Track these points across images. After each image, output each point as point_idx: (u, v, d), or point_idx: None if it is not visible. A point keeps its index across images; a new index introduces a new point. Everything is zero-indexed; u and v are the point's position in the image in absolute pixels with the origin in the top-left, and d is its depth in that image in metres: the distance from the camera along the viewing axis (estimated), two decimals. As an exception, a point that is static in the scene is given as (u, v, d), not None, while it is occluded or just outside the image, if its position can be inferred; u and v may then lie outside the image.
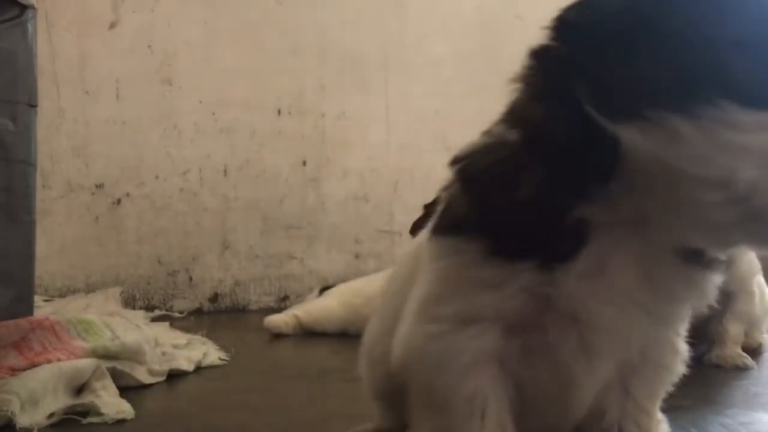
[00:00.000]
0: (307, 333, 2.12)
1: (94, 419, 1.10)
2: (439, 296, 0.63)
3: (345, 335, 2.06)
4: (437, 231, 0.64)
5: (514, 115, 0.59)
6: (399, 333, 0.66)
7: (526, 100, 0.58)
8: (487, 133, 0.62)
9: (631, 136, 0.51)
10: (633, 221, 0.56)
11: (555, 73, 0.55)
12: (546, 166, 0.55)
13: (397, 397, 0.72)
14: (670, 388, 0.72)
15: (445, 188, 0.65)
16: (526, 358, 0.62)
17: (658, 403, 0.73)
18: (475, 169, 0.61)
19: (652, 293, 0.60)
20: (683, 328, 0.70)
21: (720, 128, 0.49)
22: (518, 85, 0.59)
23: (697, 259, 0.60)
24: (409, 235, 2.50)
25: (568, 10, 0.55)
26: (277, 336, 2.08)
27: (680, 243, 0.58)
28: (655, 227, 0.56)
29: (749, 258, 1.54)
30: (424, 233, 0.74)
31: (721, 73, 0.49)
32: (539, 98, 0.57)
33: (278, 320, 2.12)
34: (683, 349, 0.71)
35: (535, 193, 0.55)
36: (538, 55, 0.57)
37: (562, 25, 0.55)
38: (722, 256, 0.62)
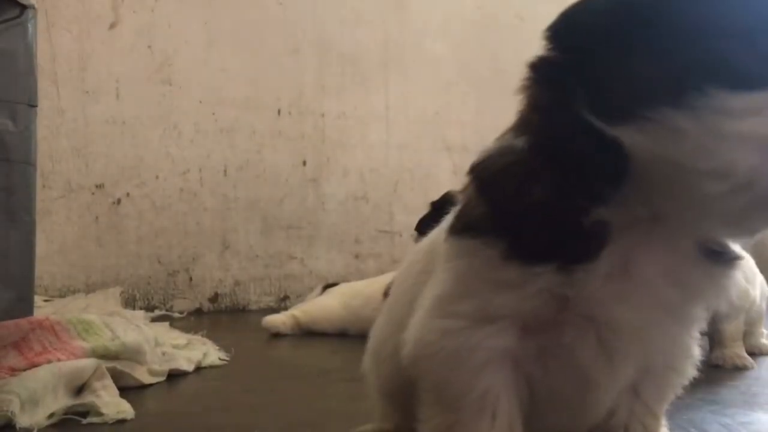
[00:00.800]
0: (307, 333, 2.12)
1: (94, 419, 1.10)
2: (456, 294, 0.62)
3: (345, 335, 2.06)
4: (454, 232, 0.63)
5: (520, 124, 0.60)
6: (411, 328, 0.66)
7: (527, 111, 0.59)
8: (499, 139, 0.62)
9: (631, 136, 0.52)
10: (651, 220, 0.56)
11: (551, 81, 0.56)
12: (554, 171, 0.56)
13: (403, 395, 0.71)
14: (680, 391, 0.72)
15: (462, 190, 0.65)
16: (543, 358, 0.62)
17: (666, 406, 0.73)
18: (488, 173, 0.61)
19: (678, 293, 0.59)
20: (697, 330, 0.70)
21: (714, 117, 0.49)
22: (521, 97, 0.59)
23: (719, 256, 0.60)
24: (410, 236, 2.50)
25: (559, 18, 0.56)
26: (277, 336, 2.09)
27: (703, 238, 0.58)
28: (673, 225, 0.56)
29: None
30: (436, 231, 0.74)
31: (708, 60, 0.49)
32: (538, 109, 0.58)
33: (276, 320, 2.12)
34: (695, 352, 0.70)
35: (547, 196, 0.56)
36: (535, 66, 0.58)
37: (554, 33, 0.56)
38: (739, 253, 0.62)
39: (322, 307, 2.19)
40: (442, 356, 0.62)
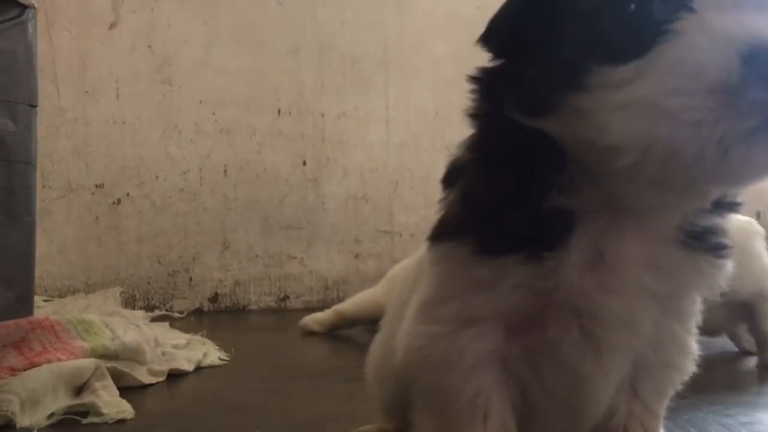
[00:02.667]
0: (308, 333, 2.12)
1: (94, 419, 1.10)
2: (439, 298, 0.63)
3: (342, 335, 2.06)
4: (433, 237, 0.64)
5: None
6: (401, 334, 0.66)
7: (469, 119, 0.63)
8: (459, 145, 0.65)
9: (551, 125, 0.54)
10: (615, 204, 0.56)
11: (484, 89, 0.61)
12: (493, 168, 0.59)
13: (404, 408, 0.71)
14: (679, 388, 0.71)
15: (441, 199, 0.65)
16: (531, 357, 0.62)
17: (665, 404, 0.72)
18: (451, 177, 0.64)
19: (660, 279, 0.59)
20: (694, 326, 0.69)
21: (602, 93, 0.50)
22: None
23: (700, 242, 0.59)
24: (411, 235, 2.49)
25: (486, 27, 0.60)
26: (280, 333, 2.10)
27: (670, 219, 0.58)
28: (634, 205, 0.56)
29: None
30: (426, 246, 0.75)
31: (589, 40, 0.51)
32: (473, 116, 0.61)
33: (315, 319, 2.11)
34: (693, 348, 0.69)
35: (494, 192, 0.58)
36: (472, 78, 0.62)
37: (483, 42, 0.60)
38: (729, 242, 0.61)
39: (364, 297, 2.12)
40: (432, 361, 0.63)
